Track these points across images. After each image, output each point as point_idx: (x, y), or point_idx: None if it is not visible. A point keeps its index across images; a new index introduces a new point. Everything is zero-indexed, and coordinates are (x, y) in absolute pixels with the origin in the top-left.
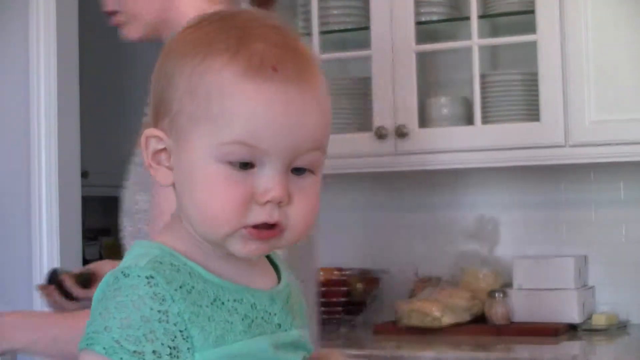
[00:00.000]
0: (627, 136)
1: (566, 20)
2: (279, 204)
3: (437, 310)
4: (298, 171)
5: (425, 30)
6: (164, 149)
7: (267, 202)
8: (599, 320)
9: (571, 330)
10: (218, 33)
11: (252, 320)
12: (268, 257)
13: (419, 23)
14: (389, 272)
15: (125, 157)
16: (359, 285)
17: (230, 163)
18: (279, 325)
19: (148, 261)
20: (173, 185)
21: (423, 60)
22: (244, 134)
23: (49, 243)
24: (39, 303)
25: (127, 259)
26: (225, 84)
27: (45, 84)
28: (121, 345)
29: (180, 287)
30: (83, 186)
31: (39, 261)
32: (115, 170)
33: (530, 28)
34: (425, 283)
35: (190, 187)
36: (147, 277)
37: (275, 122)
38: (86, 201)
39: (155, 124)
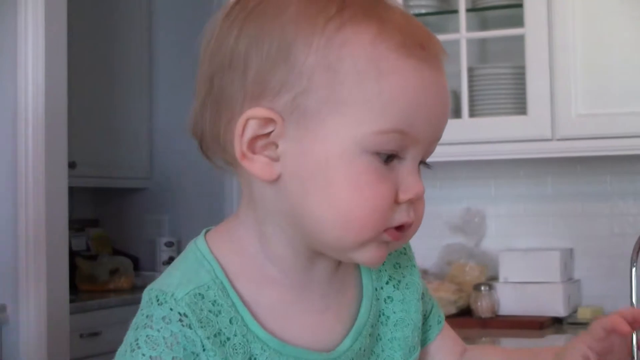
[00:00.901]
0: (613, 130)
1: (554, 14)
2: (414, 201)
3: None
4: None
5: None
6: (266, 135)
7: (408, 200)
8: (584, 314)
9: (556, 323)
10: None
11: None
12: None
13: None
14: None
15: (114, 147)
16: None
17: (378, 154)
18: None
19: (187, 293)
20: (273, 181)
21: None
22: (401, 120)
23: (35, 234)
24: (24, 294)
25: (174, 273)
26: (379, 60)
27: (33, 74)
28: None
29: (215, 335)
30: (70, 177)
31: (24, 252)
32: (103, 161)
33: (518, 22)
34: None
35: (325, 183)
36: (179, 314)
37: (428, 108)
38: (73, 192)
39: (256, 102)
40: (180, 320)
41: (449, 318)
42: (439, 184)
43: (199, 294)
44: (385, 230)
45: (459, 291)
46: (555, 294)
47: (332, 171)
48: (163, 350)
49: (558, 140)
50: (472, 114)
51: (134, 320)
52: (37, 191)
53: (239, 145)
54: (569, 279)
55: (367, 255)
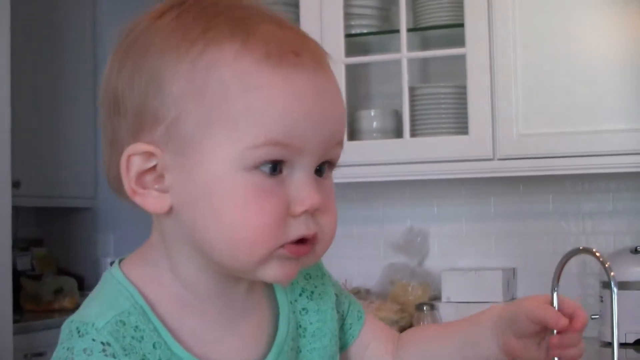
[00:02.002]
0: (555, 149)
1: (495, 34)
2: (312, 213)
3: None
4: (319, 172)
5: (355, 43)
6: (152, 168)
7: (304, 212)
8: None
9: None
10: (208, 18)
11: None
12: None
13: (348, 35)
14: None
15: (59, 167)
16: None
17: (260, 170)
18: None
19: (108, 321)
20: (167, 212)
21: (353, 72)
22: (275, 132)
23: None
24: None
25: (92, 304)
26: (244, 76)
27: None
28: None
29: None
30: (14, 196)
31: None
32: (48, 180)
33: (460, 41)
34: (354, 295)
35: (209, 207)
36: (102, 344)
37: (305, 115)
38: (18, 211)
39: (137, 138)
40: (104, 350)
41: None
42: (382, 203)
43: (120, 321)
44: (283, 246)
45: (402, 311)
46: None
47: (215, 193)
48: None
49: (499, 159)
50: (414, 133)
51: (54, 355)
52: None
53: (127, 183)
54: (511, 299)
55: (271, 273)
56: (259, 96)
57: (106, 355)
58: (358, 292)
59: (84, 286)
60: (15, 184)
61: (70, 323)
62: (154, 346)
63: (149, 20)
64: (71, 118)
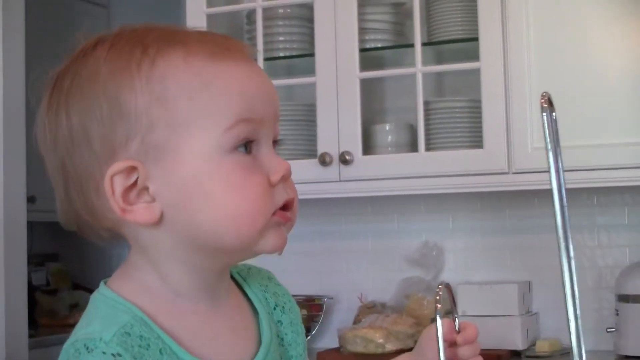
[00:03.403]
0: (569, 163)
1: (509, 48)
2: (285, 180)
3: (380, 336)
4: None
5: (370, 57)
6: (133, 184)
7: (280, 179)
8: (542, 347)
9: (514, 356)
10: (141, 40)
11: None
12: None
13: (363, 50)
14: (333, 298)
15: None
16: (303, 312)
17: (238, 151)
18: None
19: (115, 333)
20: (157, 222)
21: (367, 87)
22: (242, 110)
23: None
24: None
25: (90, 322)
26: (201, 72)
27: None
28: None
29: None
30: (29, 211)
31: None
32: None
33: (474, 55)
34: (370, 309)
35: (204, 196)
36: (113, 355)
37: (259, 92)
38: (33, 226)
39: (113, 160)
40: None
41: (407, 351)
42: (397, 217)
43: (125, 332)
44: (274, 214)
45: (417, 325)
46: (513, 327)
47: (205, 183)
48: None
49: (514, 173)
50: (428, 147)
51: None
52: None
53: (115, 204)
54: (527, 312)
55: (272, 242)
56: (218, 85)
57: None
58: (373, 306)
59: None
60: (31, 199)
61: (74, 343)
62: (160, 352)
63: (81, 57)
64: None
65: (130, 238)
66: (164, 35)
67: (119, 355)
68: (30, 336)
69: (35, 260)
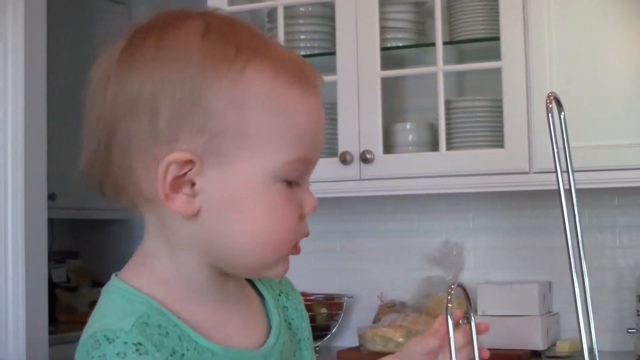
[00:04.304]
0: (591, 163)
1: (530, 47)
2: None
3: (400, 335)
4: None
5: (391, 56)
6: (184, 174)
7: (306, 215)
8: (562, 347)
9: (535, 357)
10: (231, 37)
11: None
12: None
13: (384, 49)
14: (353, 297)
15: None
16: (323, 310)
17: (284, 181)
18: None
19: (134, 323)
20: (193, 216)
21: (388, 86)
22: (305, 149)
23: (14, 265)
24: (3, 325)
25: (105, 314)
26: (284, 96)
27: (12, 103)
28: None
29: (172, 354)
30: (50, 208)
31: (3, 284)
32: (83, 192)
33: (495, 55)
34: (390, 308)
35: (243, 212)
36: (134, 344)
37: (317, 133)
38: (53, 223)
39: (172, 145)
40: (137, 350)
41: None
42: (417, 216)
43: (144, 322)
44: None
45: None
46: (533, 327)
47: (248, 201)
48: None
49: (535, 172)
50: (450, 146)
51: None
52: (16, 223)
53: (162, 189)
54: (547, 312)
55: (279, 270)
56: (294, 117)
57: (140, 354)
58: (393, 305)
59: None
60: (51, 197)
61: (93, 335)
62: (179, 339)
63: (169, 25)
64: None
65: (152, 219)
66: (253, 39)
67: (140, 344)
68: (50, 333)
69: (56, 257)
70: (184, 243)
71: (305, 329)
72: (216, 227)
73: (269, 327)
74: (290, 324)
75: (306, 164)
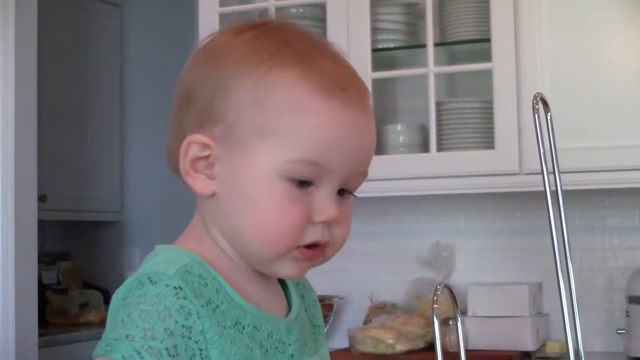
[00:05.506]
0: (580, 164)
1: (521, 49)
2: (329, 224)
3: (391, 337)
4: (341, 192)
5: (382, 57)
6: (206, 157)
7: (322, 222)
8: (552, 348)
9: (525, 358)
10: (279, 45)
11: (267, 350)
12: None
13: (375, 50)
14: (344, 298)
15: (85, 181)
16: None
17: (292, 180)
18: (292, 355)
19: (177, 270)
20: (211, 195)
21: (379, 87)
22: (313, 153)
23: (4, 267)
24: None
25: (154, 263)
26: (298, 100)
27: (2, 104)
28: (142, 357)
29: (207, 303)
30: (40, 209)
31: None
32: (74, 194)
33: (486, 56)
34: (380, 310)
35: (248, 202)
36: (175, 288)
37: (342, 145)
38: (44, 225)
39: (199, 130)
40: (177, 294)
41: (418, 352)
42: (408, 218)
43: (186, 271)
44: (298, 248)
45: (428, 325)
46: (524, 328)
47: (254, 193)
48: (156, 321)
49: (526, 174)
50: (440, 148)
51: (122, 303)
52: (6, 224)
53: (183, 164)
54: (537, 313)
55: (285, 269)
56: (305, 121)
57: (178, 297)
58: (384, 307)
59: (110, 300)
60: (42, 198)
61: (138, 277)
62: (216, 291)
63: (230, 34)
64: (97, 132)
65: (198, 198)
66: (298, 51)
67: (180, 288)
68: (40, 335)
69: (46, 259)
70: (213, 221)
71: (319, 319)
72: (228, 212)
73: (289, 308)
74: (307, 310)
75: (318, 169)
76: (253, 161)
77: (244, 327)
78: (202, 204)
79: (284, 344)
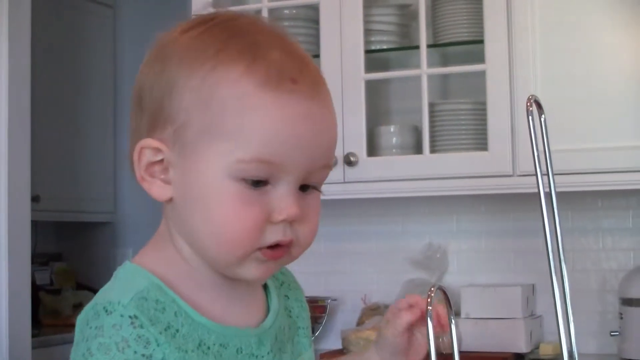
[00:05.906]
0: (574, 166)
1: (514, 51)
2: (291, 222)
3: None
4: (304, 188)
5: (375, 59)
6: (160, 161)
7: (282, 221)
8: (546, 350)
9: (518, 359)
10: (224, 39)
11: None
12: None
13: (368, 51)
14: (337, 300)
15: (78, 181)
16: None
17: (245, 181)
18: None
19: (132, 297)
20: (168, 201)
21: (372, 88)
22: (263, 151)
23: None
24: None
25: (109, 290)
26: (243, 96)
27: None
28: None
29: (166, 329)
30: (34, 210)
31: None
32: (67, 195)
33: (479, 58)
34: (373, 311)
35: (201, 207)
36: (130, 317)
37: (295, 139)
38: (37, 226)
39: (151, 134)
40: (132, 323)
41: None
42: (401, 219)
43: (142, 297)
44: (259, 249)
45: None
46: (516, 330)
47: (206, 197)
48: (115, 354)
49: (519, 176)
50: (433, 149)
51: (80, 336)
52: None
53: (138, 170)
54: (530, 315)
55: (248, 272)
56: (252, 117)
57: (134, 327)
58: (377, 308)
59: None
60: (35, 199)
61: (94, 306)
62: (175, 315)
63: (178, 32)
64: (91, 133)
65: (163, 204)
66: (245, 44)
67: (136, 317)
68: (33, 336)
69: (39, 259)
70: (175, 228)
71: (304, 319)
72: (184, 217)
73: (268, 311)
74: (290, 311)
75: (270, 167)
76: (203, 163)
77: (209, 347)
78: (165, 210)
79: (256, 357)
